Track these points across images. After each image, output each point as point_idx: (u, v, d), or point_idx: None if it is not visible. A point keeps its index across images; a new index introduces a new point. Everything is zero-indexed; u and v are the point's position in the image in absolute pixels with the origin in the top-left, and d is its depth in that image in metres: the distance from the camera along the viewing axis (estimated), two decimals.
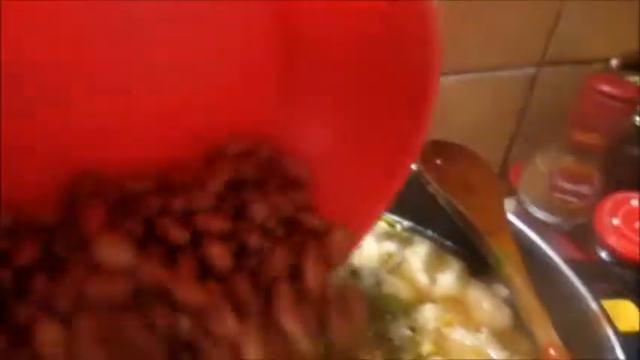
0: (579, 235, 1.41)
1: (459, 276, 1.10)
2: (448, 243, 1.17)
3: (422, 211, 1.17)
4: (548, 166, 1.43)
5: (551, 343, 0.87)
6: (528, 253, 1.02)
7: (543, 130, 1.50)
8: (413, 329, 1.01)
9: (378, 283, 1.09)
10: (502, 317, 1.04)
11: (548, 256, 1.03)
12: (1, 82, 0.47)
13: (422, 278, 1.10)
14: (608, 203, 1.36)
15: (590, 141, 1.35)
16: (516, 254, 0.99)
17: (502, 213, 1.07)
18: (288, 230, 0.60)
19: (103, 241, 0.47)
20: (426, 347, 0.98)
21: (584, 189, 1.40)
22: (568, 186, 1.40)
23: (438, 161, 1.12)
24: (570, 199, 1.41)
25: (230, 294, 0.51)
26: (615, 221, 1.33)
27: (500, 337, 1.01)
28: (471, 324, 1.03)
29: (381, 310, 1.03)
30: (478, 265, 1.11)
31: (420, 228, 1.20)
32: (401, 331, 1.00)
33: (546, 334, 0.88)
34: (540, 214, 1.45)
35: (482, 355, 0.99)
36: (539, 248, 1.04)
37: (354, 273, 1.09)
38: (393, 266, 1.12)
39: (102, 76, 0.52)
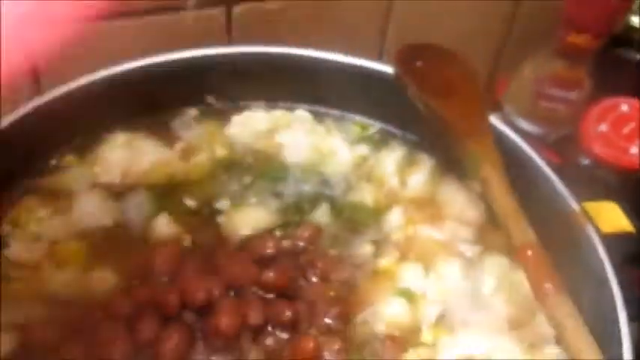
0: (564, 146, 1.34)
1: (431, 175, 1.06)
2: (422, 143, 1.11)
3: (397, 113, 1.12)
4: (537, 73, 1.34)
5: (527, 243, 0.81)
6: (510, 156, 0.96)
7: (533, 37, 1.41)
8: (376, 242, 0.96)
9: (348, 190, 1.04)
10: (476, 212, 1.01)
11: (530, 158, 0.98)
12: None
13: (392, 181, 1.06)
14: (596, 109, 1.28)
15: (582, 43, 1.25)
16: (495, 156, 0.93)
17: (483, 114, 1.00)
18: None
19: None
20: (389, 258, 0.94)
21: (572, 95, 1.31)
22: (556, 92, 1.32)
23: (418, 63, 1.05)
24: (557, 106, 1.33)
25: None
26: (602, 127, 1.26)
27: (474, 233, 0.98)
28: (441, 221, 0.99)
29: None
30: (452, 162, 1.06)
31: (394, 130, 1.13)
32: (362, 247, 0.95)
33: (523, 234, 0.83)
34: (525, 125, 1.37)
35: (453, 251, 0.95)
36: (521, 151, 0.99)
37: (324, 182, 1.04)
38: (366, 171, 1.07)
39: None
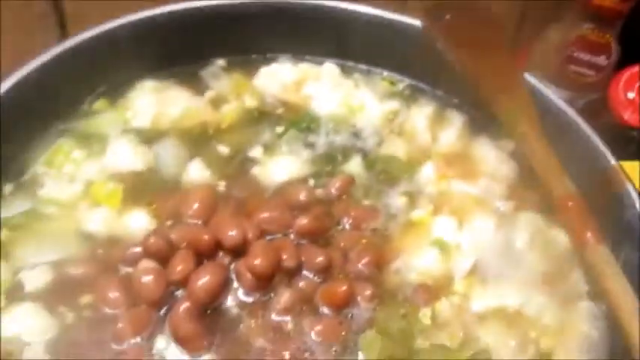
0: (591, 112, 1.33)
1: (462, 132, 1.06)
2: (453, 100, 1.10)
3: (426, 70, 1.11)
4: (563, 37, 1.33)
5: (567, 195, 0.81)
6: (544, 112, 0.95)
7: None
8: (409, 195, 0.96)
9: (380, 144, 1.04)
10: (508, 170, 1.00)
11: (565, 114, 0.96)
12: None
13: (425, 136, 1.05)
14: (625, 76, 1.27)
15: (610, 5, 1.24)
16: (531, 110, 0.93)
17: (515, 70, 0.99)
18: None
19: None
20: (423, 210, 0.94)
21: (600, 60, 1.31)
22: (583, 57, 1.31)
23: (448, 17, 1.04)
24: (585, 71, 1.32)
25: None
26: (631, 95, 1.26)
27: (507, 189, 0.98)
28: (474, 177, 0.99)
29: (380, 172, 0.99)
30: (483, 120, 1.06)
31: (423, 86, 1.13)
32: (395, 199, 0.95)
33: (563, 186, 0.83)
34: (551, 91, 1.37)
35: (487, 206, 0.94)
36: (556, 107, 0.98)
37: (356, 135, 1.04)
38: (397, 125, 1.06)
39: None
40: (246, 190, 0.93)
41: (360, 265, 0.86)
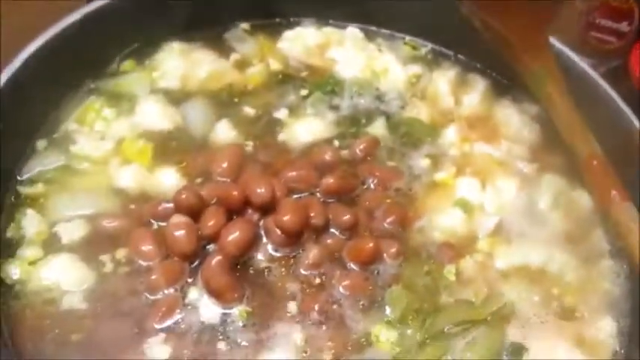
0: (612, 78, 1.33)
1: (484, 95, 1.06)
2: (475, 64, 1.11)
3: (448, 34, 1.11)
4: (587, 3, 1.32)
5: (593, 154, 0.82)
6: (567, 75, 0.96)
7: None
8: (433, 157, 0.97)
9: (403, 107, 1.05)
10: (530, 133, 1.01)
11: (590, 77, 0.97)
12: None
13: (448, 100, 1.06)
14: None
15: None
16: (557, 72, 0.93)
17: (542, 31, 0.99)
18: None
19: None
20: (446, 172, 0.96)
21: (622, 26, 1.30)
22: (606, 23, 1.30)
23: None
24: (607, 38, 1.31)
25: None
26: None
27: (530, 152, 0.99)
28: (497, 140, 1.00)
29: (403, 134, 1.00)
30: (506, 84, 1.08)
31: (446, 51, 1.14)
32: (419, 160, 0.97)
33: (588, 146, 0.84)
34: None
35: (510, 168, 0.96)
36: (580, 70, 0.98)
37: (379, 98, 1.05)
38: (420, 89, 1.07)
39: None
40: (273, 150, 0.95)
41: (385, 224, 0.87)
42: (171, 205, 0.84)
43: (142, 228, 0.83)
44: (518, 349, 0.79)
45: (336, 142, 0.97)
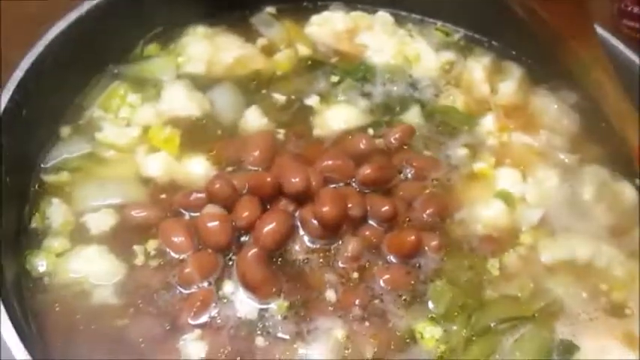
0: None
1: (521, 83, 1.02)
2: (510, 51, 1.07)
3: (481, 20, 1.07)
4: None
5: None
6: (614, 62, 0.92)
7: None
8: (470, 146, 0.94)
9: (437, 95, 1.01)
10: (570, 123, 0.98)
11: (635, 64, 0.93)
12: None
13: (483, 88, 1.02)
14: None
15: None
16: (604, 59, 0.89)
17: (588, 17, 0.95)
18: None
19: None
20: (485, 162, 0.92)
21: None
22: (637, 11, 1.26)
23: None
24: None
25: None
26: None
27: (570, 142, 0.96)
28: (535, 130, 0.97)
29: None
30: (542, 72, 1.04)
31: (479, 37, 1.10)
32: (457, 150, 0.93)
33: (638, 133, 0.80)
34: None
35: (550, 158, 0.93)
36: (625, 57, 0.94)
37: (413, 85, 1.01)
38: (454, 76, 1.04)
39: None
40: (305, 138, 0.91)
41: (424, 215, 0.84)
42: (203, 194, 0.80)
43: (173, 218, 0.80)
44: (569, 348, 0.75)
45: (370, 131, 0.93)
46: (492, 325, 0.76)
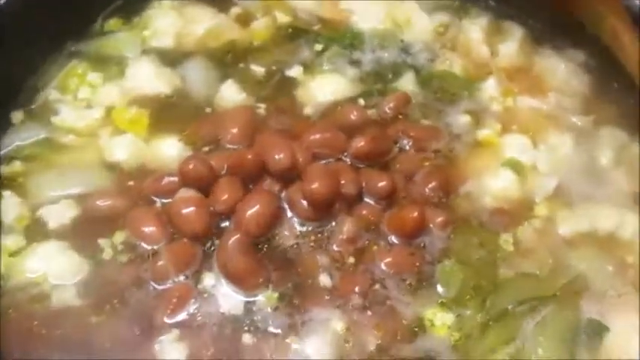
0: None
1: (523, 44, 0.93)
2: (508, 11, 0.97)
3: None
4: None
5: None
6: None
7: None
8: (473, 113, 0.85)
9: (432, 59, 0.92)
10: (579, 83, 0.89)
11: None
12: None
13: (482, 50, 0.93)
14: None
15: None
16: (620, 7, 0.80)
17: None
18: None
19: None
20: (490, 129, 0.83)
21: None
22: None
23: None
24: None
25: None
26: None
27: (582, 103, 0.87)
28: (543, 92, 0.88)
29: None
30: (545, 31, 0.94)
31: None
32: (458, 118, 0.84)
33: None
34: None
35: (561, 122, 0.84)
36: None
37: (405, 51, 0.92)
38: (450, 39, 0.94)
39: None
40: (289, 112, 0.82)
41: (426, 190, 0.75)
42: (175, 178, 0.71)
43: (142, 207, 0.71)
44: (597, 329, 0.67)
45: (361, 101, 0.84)
46: (510, 307, 0.68)
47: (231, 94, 0.83)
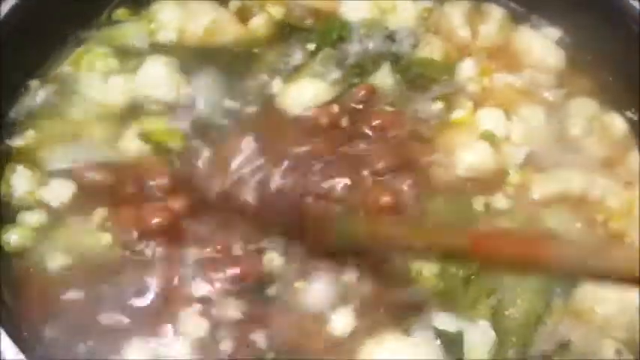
0: None
1: (502, 24, 0.99)
2: None
3: None
4: None
5: None
6: None
7: None
8: (446, 96, 0.91)
9: (416, 45, 0.97)
10: (555, 59, 0.95)
11: None
12: None
13: (463, 33, 0.98)
14: None
15: None
16: None
17: None
18: None
19: None
20: (463, 109, 0.89)
21: None
22: None
23: None
24: None
25: None
26: None
27: (556, 78, 0.93)
28: (519, 69, 0.94)
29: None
30: (524, 10, 1.00)
31: None
32: (430, 103, 0.90)
33: None
34: None
35: (535, 96, 0.91)
36: None
37: (390, 38, 0.97)
38: (433, 24, 1.00)
39: None
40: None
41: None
42: None
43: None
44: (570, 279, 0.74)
45: (336, 108, 0.88)
46: None
47: None
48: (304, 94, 0.90)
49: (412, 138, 0.86)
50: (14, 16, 0.81)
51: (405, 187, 0.79)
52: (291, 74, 0.93)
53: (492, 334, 0.71)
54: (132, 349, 0.68)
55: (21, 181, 0.78)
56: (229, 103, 0.89)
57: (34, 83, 0.86)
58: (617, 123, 0.87)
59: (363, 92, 0.89)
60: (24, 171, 0.78)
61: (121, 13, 0.96)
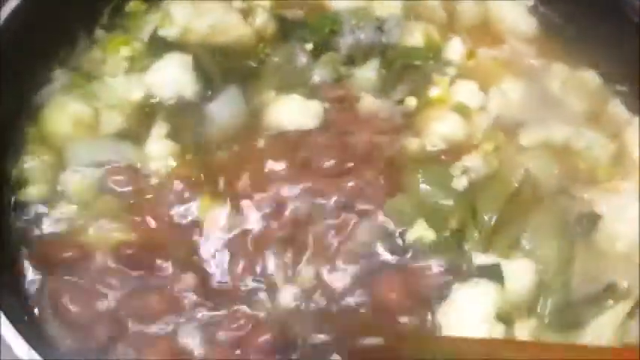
0: None
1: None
2: None
3: None
4: None
5: None
6: None
7: None
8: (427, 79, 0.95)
9: (402, 35, 1.00)
10: (528, 26, 1.01)
11: None
12: None
13: (440, 14, 1.03)
14: None
15: None
16: None
17: None
18: None
19: None
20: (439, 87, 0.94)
21: None
22: None
23: None
24: None
25: None
26: None
27: (534, 47, 0.99)
28: (499, 42, 1.00)
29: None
30: None
31: None
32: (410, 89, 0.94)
33: None
34: None
35: (514, 65, 0.96)
36: None
37: (379, 28, 1.00)
38: (412, 8, 1.03)
39: None
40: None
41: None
42: None
43: None
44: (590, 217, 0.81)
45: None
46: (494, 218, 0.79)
47: None
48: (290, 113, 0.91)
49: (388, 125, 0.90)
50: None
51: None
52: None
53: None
54: None
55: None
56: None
57: (57, 72, 0.91)
58: (591, 77, 0.94)
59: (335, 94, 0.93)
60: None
61: (134, 4, 1.00)
